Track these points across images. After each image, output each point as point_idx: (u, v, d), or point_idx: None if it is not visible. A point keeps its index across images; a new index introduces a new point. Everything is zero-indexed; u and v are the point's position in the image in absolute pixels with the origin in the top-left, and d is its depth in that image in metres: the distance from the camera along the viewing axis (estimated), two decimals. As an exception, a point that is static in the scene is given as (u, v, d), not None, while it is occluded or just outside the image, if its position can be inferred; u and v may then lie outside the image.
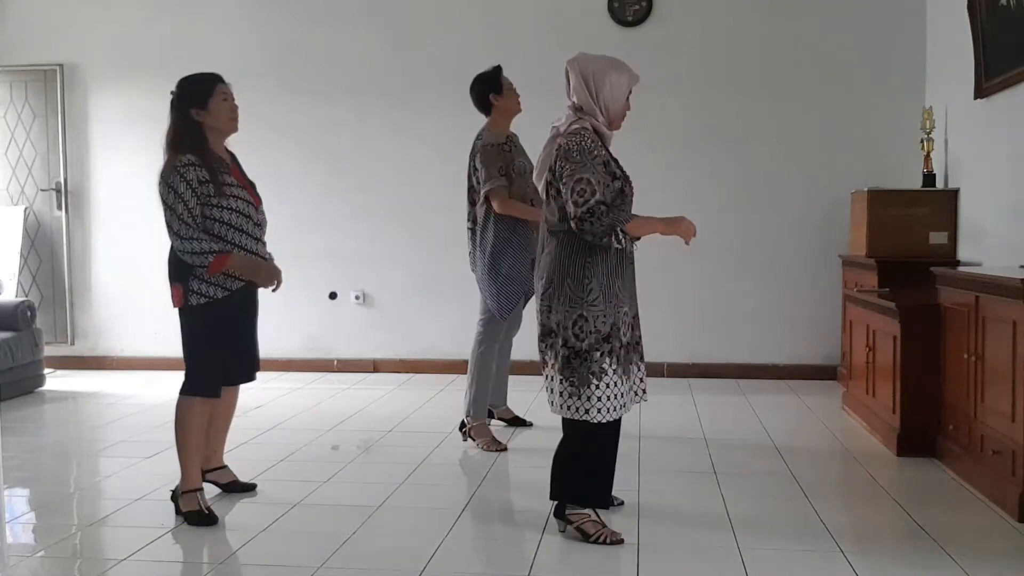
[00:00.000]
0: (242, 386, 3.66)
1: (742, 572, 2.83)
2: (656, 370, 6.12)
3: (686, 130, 6.17)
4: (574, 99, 3.13)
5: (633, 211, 3.17)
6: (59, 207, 6.79)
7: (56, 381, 6.34)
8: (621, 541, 3.06)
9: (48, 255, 6.84)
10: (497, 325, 4.41)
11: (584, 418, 3.03)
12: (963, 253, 5.07)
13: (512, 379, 4.74)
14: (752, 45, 6.12)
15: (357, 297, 6.58)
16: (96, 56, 6.72)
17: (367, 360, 6.56)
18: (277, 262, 3.56)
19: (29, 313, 5.95)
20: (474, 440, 4.38)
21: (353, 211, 6.53)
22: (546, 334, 3.12)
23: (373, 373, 6.49)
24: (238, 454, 4.15)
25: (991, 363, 3.53)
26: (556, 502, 3.18)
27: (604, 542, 3.05)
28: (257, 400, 5.43)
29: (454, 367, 6.27)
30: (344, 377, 6.37)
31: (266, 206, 3.57)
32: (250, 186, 3.54)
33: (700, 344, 6.24)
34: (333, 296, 6.60)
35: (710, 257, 5.99)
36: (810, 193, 6.09)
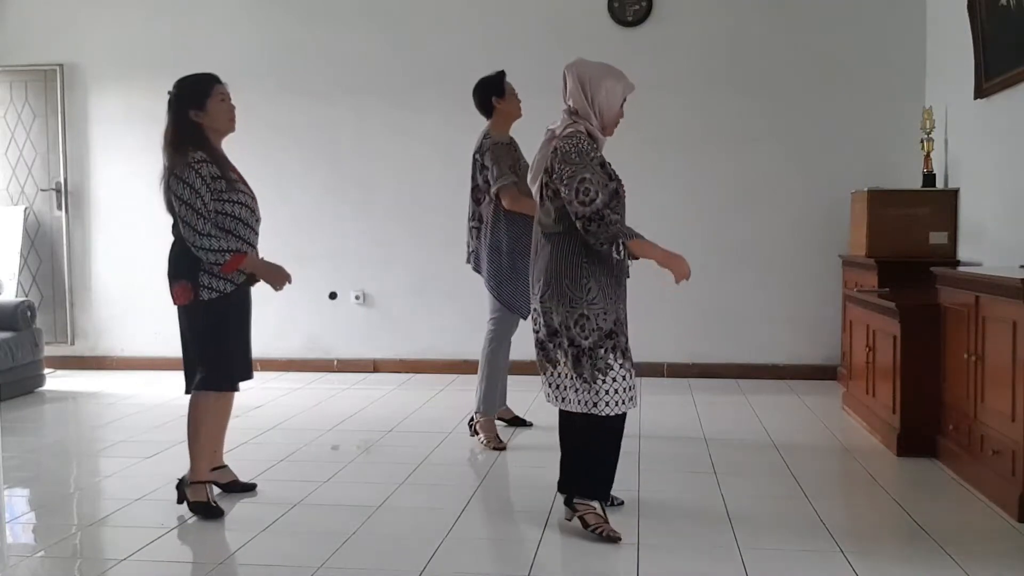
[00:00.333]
0: (241, 385, 3.65)
1: (742, 572, 2.83)
2: (656, 370, 6.15)
3: (686, 130, 6.17)
4: (570, 103, 3.19)
5: (630, 211, 3.22)
6: (59, 207, 6.80)
7: (56, 381, 6.34)
8: (618, 539, 3.07)
9: (48, 255, 6.85)
10: (509, 324, 4.43)
11: (592, 411, 3.07)
12: (963, 253, 5.07)
13: (512, 379, 4.73)
14: (752, 45, 6.12)
15: (357, 297, 6.58)
16: (96, 56, 6.73)
17: (367, 360, 6.56)
18: (277, 262, 3.56)
19: (29, 313, 5.96)
20: (480, 435, 4.42)
21: (353, 211, 6.53)
22: (551, 335, 3.15)
23: (373, 373, 6.49)
24: (238, 454, 4.16)
25: (991, 363, 3.53)
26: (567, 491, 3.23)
27: (601, 535, 3.07)
28: (257, 400, 5.44)
29: (454, 367, 6.28)
30: (344, 377, 6.37)
31: (266, 206, 3.60)
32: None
33: (700, 344, 6.24)
34: (333, 296, 6.60)
35: (710, 257, 5.99)
36: (810, 193, 6.09)
